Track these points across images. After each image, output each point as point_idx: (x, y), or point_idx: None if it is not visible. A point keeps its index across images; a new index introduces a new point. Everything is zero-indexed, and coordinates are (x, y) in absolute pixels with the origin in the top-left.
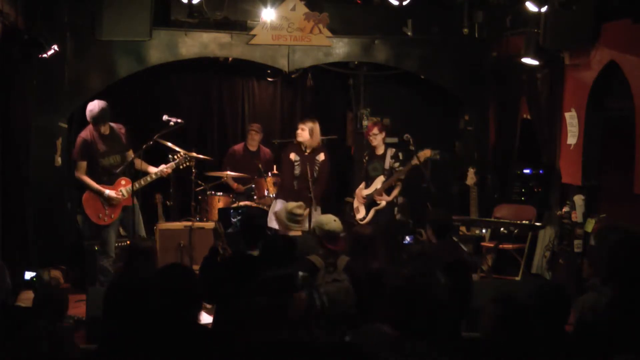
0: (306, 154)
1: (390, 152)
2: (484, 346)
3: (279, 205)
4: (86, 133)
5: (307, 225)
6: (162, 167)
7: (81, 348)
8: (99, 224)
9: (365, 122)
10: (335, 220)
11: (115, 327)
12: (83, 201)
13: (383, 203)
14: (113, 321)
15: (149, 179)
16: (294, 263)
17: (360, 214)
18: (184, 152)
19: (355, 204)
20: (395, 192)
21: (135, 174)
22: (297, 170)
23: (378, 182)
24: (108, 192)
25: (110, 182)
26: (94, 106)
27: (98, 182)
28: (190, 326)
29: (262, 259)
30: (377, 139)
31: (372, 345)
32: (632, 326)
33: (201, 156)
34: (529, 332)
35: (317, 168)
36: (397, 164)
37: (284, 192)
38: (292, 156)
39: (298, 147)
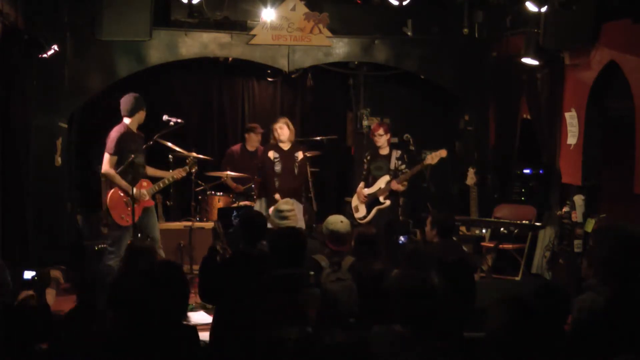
0: (285, 151)
1: (396, 153)
2: (487, 346)
3: (263, 205)
4: (120, 129)
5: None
6: (176, 170)
7: None
8: (120, 225)
9: (365, 122)
10: (342, 222)
11: (115, 325)
12: (108, 200)
13: (387, 202)
14: (115, 319)
15: (166, 181)
16: (305, 259)
17: (360, 213)
18: (192, 155)
19: (354, 202)
20: (403, 187)
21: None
22: (277, 167)
23: (382, 182)
24: (135, 190)
25: (134, 182)
26: (130, 96)
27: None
28: (175, 324)
29: (273, 255)
30: (382, 139)
31: (384, 345)
32: (629, 326)
33: (201, 156)
34: (533, 332)
35: (297, 164)
36: (403, 166)
37: (265, 191)
38: (271, 154)
39: (275, 146)
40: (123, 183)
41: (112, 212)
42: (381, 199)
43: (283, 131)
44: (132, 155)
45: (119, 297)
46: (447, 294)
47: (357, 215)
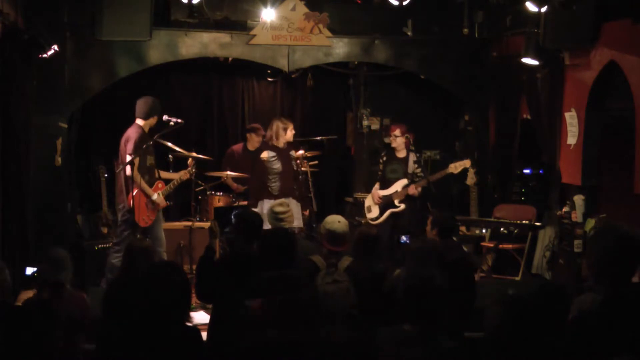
0: (281, 149)
1: (413, 157)
2: (487, 346)
3: (265, 206)
4: (137, 130)
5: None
6: (181, 172)
7: (81, 348)
8: (140, 225)
9: (365, 122)
10: (339, 222)
11: (114, 326)
12: (133, 200)
13: (402, 206)
14: (112, 320)
15: (175, 183)
16: (296, 260)
17: (372, 213)
18: (192, 155)
19: (368, 202)
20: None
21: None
22: (276, 166)
23: (398, 185)
24: (156, 196)
25: (150, 183)
26: (148, 99)
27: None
28: (178, 325)
29: (263, 256)
30: (397, 141)
31: (390, 343)
32: (628, 327)
33: (201, 156)
34: (532, 332)
35: (296, 162)
36: (419, 169)
37: (264, 192)
38: (265, 155)
39: (270, 145)
40: (146, 187)
41: (136, 212)
42: (396, 202)
43: (288, 135)
44: (152, 159)
45: (117, 299)
46: (448, 294)
47: (370, 215)
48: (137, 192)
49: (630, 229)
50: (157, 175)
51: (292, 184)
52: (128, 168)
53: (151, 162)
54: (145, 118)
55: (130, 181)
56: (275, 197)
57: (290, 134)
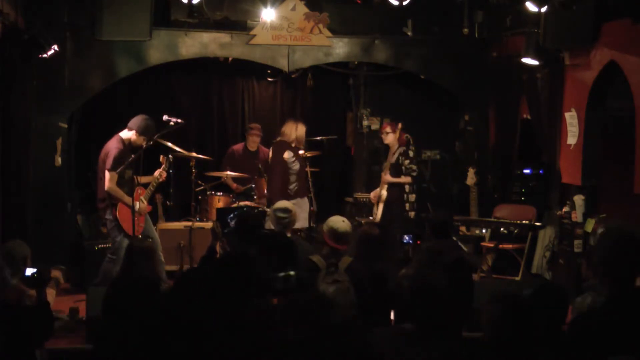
0: (296, 149)
1: (400, 150)
2: (486, 346)
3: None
4: (117, 145)
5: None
6: (157, 172)
7: (81, 348)
8: (129, 234)
9: (365, 122)
10: (343, 221)
11: (114, 326)
12: (119, 213)
13: (384, 193)
14: (112, 320)
15: (154, 183)
16: (296, 263)
17: (378, 211)
18: (163, 156)
19: (373, 201)
20: (402, 179)
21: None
22: (296, 166)
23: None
24: (138, 205)
25: (130, 193)
26: (149, 120)
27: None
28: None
29: (263, 258)
30: (389, 137)
31: (389, 343)
32: (628, 327)
33: (201, 156)
34: (528, 331)
35: (305, 162)
36: (407, 162)
37: (284, 193)
38: (287, 155)
39: (289, 145)
40: (127, 198)
41: (123, 225)
42: (383, 192)
43: (302, 133)
44: (130, 171)
45: (118, 299)
46: (448, 294)
47: (376, 213)
48: (120, 206)
49: (636, 230)
50: (136, 182)
51: (305, 183)
52: (107, 183)
53: (129, 175)
54: (136, 132)
55: (111, 196)
56: (292, 198)
57: (303, 133)
